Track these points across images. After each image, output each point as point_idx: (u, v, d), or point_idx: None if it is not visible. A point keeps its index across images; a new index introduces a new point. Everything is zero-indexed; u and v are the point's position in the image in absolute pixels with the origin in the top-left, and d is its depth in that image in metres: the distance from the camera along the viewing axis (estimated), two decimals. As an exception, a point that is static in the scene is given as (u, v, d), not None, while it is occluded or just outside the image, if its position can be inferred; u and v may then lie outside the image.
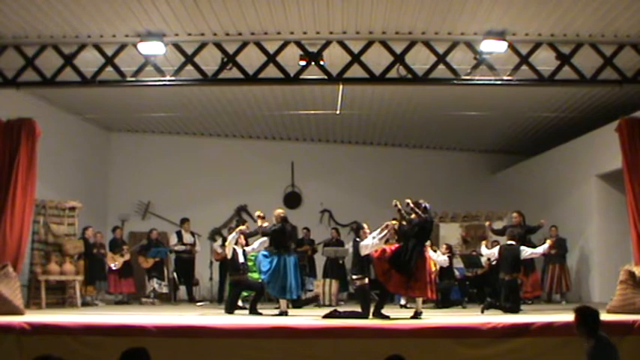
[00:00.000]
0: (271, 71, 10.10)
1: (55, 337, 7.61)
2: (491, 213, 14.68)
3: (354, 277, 9.36)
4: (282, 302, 10.16)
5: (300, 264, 14.03)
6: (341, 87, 10.95)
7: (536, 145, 16.35)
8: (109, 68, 10.06)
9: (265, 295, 11.28)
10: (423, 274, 9.19)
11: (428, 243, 9.88)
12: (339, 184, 17.02)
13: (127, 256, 13.74)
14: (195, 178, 16.69)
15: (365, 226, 9.62)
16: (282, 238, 10.28)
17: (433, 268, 10.45)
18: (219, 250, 13.66)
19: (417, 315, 9.11)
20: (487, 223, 12.90)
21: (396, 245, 9.41)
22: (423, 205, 9.54)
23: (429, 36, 9.82)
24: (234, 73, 10.08)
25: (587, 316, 5.66)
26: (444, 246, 12.90)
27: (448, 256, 12.44)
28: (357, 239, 9.50)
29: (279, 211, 10.64)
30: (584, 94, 12.77)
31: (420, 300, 9.33)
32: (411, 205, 9.55)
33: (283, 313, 10.01)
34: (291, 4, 8.88)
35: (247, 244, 11.12)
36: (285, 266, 10.09)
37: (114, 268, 13.50)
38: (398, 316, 9.08)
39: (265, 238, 10.47)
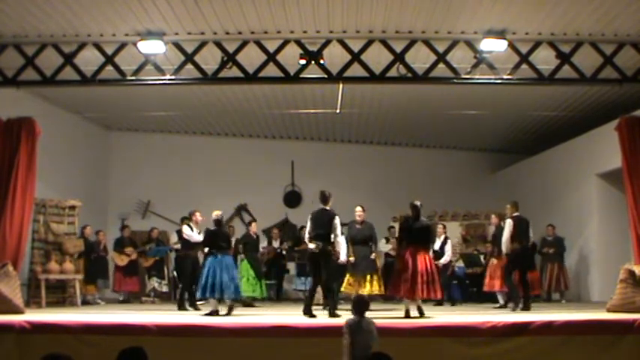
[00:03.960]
0: (271, 70, 10.10)
1: (55, 336, 7.61)
2: (491, 212, 14.68)
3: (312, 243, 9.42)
4: (212, 301, 10.01)
5: (299, 263, 14.14)
6: (341, 86, 10.97)
7: (536, 144, 16.35)
8: (109, 67, 10.07)
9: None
10: (407, 274, 9.07)
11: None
12: (339, 182, 16.95)
13: (134, 256, 13.80)
14: (195, 177, 16.71)
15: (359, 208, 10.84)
16: (213, 239, 10.34)
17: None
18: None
19: (407, 314, 9.05)
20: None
21: None
22: (419, 204, 9.46)
23: (429, 35, 9.82)
24: (234, 72, 10.09)
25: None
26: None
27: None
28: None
29: (215, 213, 10.62)
30: (584, 92, 12.76)
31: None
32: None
33: (213, 313, 9.81)
34: (291, 3, 8.88)
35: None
36: (215, 266, 10.00)
37: (120, 265, 13.59)
38: (397, 315, 9.08)
39: None
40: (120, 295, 14.01)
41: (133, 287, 13.92)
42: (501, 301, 11.65)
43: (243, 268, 12.68)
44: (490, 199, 15.99)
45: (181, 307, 10.95)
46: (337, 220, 9.55)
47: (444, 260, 12.41)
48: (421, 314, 9.08)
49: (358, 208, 10.99)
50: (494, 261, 11.81)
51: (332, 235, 9.47)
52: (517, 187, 16.20)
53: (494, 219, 12.25)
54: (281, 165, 17.25)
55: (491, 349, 7.56)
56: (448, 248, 12.76)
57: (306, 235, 9.66)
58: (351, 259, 10.72)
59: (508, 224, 11.05)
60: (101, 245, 13.66)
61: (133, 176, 16.69)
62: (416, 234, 9.31)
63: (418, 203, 9.46)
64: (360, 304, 6.40)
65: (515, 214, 11.08)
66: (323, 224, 9.47)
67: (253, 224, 13.28)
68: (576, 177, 14.37)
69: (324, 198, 9.71)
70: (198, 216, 11.56)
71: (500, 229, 11.83)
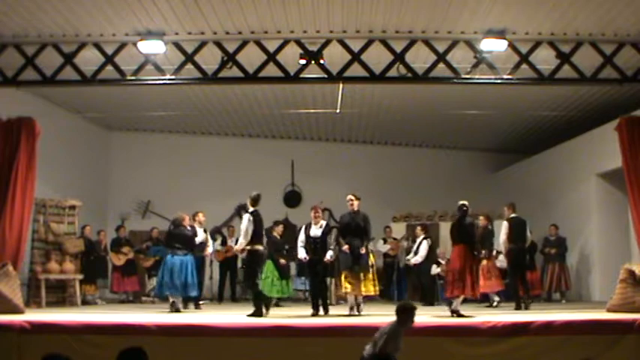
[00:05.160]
0: (271, 70, 10.10)
1: (55, 335, 7.62)
2: (491, 212, 14.68)
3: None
4: (171, 299, 10.47)
5: (298, 263, 14.11)
6: (341, 86, 10.98)
7: (536, 144, 16.35)
8: (109, 67, 10.07)
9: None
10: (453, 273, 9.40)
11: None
12: (339, 182, 16.97)
13: (131, 255, 13.80)
14: (195, 177, 16.69)
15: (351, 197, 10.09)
16: (168, 240, 10.96)
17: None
18: (219, 249, 13.66)
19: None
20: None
21: None
22: (464, 205, 9.76)
23: (429, 35, 9.82)
24: (234, 71, 10.08)
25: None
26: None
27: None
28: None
29: (176, 216, 11.07)
30: (585, 92, 12.76)
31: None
32: None
33: (174, 310, 10.32)
34: (291, 2, 8.89)
35: None
36: (174, 265, 10.50)
37: (117, 264, 13.60)
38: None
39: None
40: (119, 295, 14.01)
41: (133, 287, 13.93)
42: (495, 300, 11.74)
43: (268, 269, 12.66)
44: (490, 199, 15.98)
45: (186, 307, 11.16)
46: None
47: (414, 260, 12.47)
48: (453, 312, 9.20)
49: (350, 197, 10.15)
50: (483, 262, 11.89)
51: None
52: (517, 187, 16.21)
53: (482, 220, 12.32)
54: (281, 165, 17.25)
55: (491, 349, 7.56)
56: (423, 249, 12.80)
57: (243, 240, 9.82)
58: (345, 247, 9.76)
59: (504, 226, 11.15)
60: (102, 245, 13.68)
61: (133, 176, 16.69)
62: (460, 233, 9.55)
63: (462, 204, 9.72)
64: (404, 311, 6.04)
65: (512, 215, 11.21)
66: (262, 227, 9.98)
67: (280, 226, 13.08)
68: (576, 177, 14.36)
69: (257, 200, 10.07)
70: (200, 217, 11.74)
71: (487, 231, 12.00)
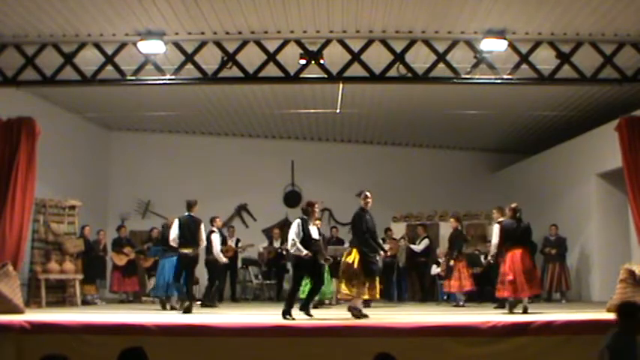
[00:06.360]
0: (271, 70, 10.10)
1: (55, 335, 7.61)
2: (491, 212, 14.68)
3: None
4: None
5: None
6: (341, 86, 10.97)
7: (536, 144, 16.35)
8: (109, 67, 10.08)
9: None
10: (512, 274, 9.70)
11: None
12: (339, 182, 16.99)
13: (132, 255, 13.81)
14: (195, 177, 16.69)
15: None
16: (161, 242, 11.77)
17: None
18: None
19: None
20: None
21: None
22: (518, 207, 10.15)
23: (429, 35, 9.83)
24: (234, 71, 10.09)
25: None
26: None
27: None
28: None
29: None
30: (585, 92, 12.76)
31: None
32: None
33: (163, 308, 11.10)
34: (291, 3, 8.89)
35: None
36: (164, 267, 11.21)
37: (119, 265, 13.63)
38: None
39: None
40: (119, 295, 14.02)
41: (133, 287, 13.95)
42: (461, 302, 11.86)
43: None
44: (490, 199, 15.98)
45: (205, 304, 11.82)
46: (202, 227, 10.59)
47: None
48: (524, 311, 9.43)
49: (369, 193, 9.50)
50: (452, 263, 12.02)
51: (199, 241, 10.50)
52: (517, 187, 16.21)
53: (452, 222, 12.46)
54: (281, 165, 17.25)
55: (491, 349, 7.55)
56: None
57: (174, 240, 10.38)
58: (353, 261, 9.21)
59: (496, 229, 11.18)
60: (101, 245, 13.68)
61: (133, 176, 16.70)
62: (521, 236, 9.93)
63: (516, 206, 10.10)
64: (629, 314, 4.83)
65: (501, 219, 11.22)
66: (191, 231, 10.35)
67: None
68: (576, 177, 14.36)
69: (190, 205, 10.59)
70: (218, 222, 12.64)
71: (457, 232, 12.30)
